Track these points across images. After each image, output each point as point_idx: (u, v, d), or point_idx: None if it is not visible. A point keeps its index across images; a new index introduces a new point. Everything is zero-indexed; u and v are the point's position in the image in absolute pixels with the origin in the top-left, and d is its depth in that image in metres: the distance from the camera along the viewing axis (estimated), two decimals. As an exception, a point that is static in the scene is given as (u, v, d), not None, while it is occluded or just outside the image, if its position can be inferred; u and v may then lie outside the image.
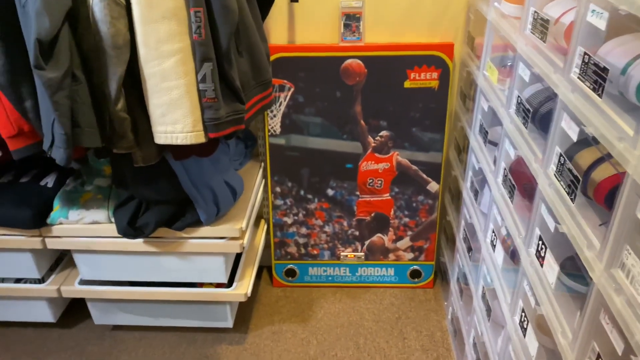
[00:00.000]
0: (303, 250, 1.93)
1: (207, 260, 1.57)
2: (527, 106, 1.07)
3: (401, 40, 1.67)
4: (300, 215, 1.87)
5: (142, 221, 1.45)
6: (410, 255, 1.93)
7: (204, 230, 1.51)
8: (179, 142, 1.14)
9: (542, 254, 0.96)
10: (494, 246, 1.28)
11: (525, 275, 1.04)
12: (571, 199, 0.85)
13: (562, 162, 0.88)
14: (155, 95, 1.12)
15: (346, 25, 1.63)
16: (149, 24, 1.07)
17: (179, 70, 1.10)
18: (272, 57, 1.65)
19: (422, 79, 1.67)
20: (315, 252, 1.93)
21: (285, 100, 1.71)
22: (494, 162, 1.32)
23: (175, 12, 1.08)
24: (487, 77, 1.39)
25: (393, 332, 1.80)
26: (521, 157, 1.13)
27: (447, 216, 1.86)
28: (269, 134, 1.76)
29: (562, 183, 0.89)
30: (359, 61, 1.66)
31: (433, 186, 1.82)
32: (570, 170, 0.86)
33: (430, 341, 1.76)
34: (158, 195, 1.43)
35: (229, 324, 1.74)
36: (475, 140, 1.49)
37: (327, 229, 1.89)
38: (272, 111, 1.73)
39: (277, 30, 1.68)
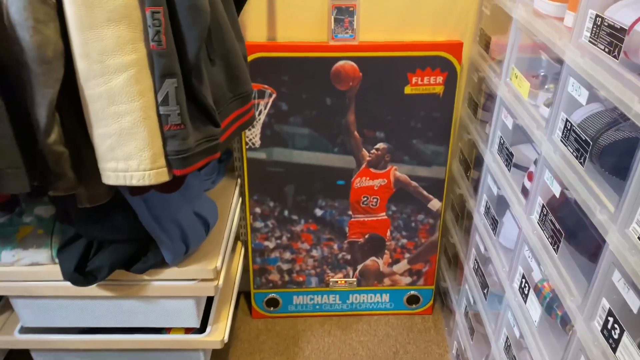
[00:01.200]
0: (287, 278, 1.69)
1: (175, 304, 1.31)
2: (584, 136, 0.84)
3: (401, 39, 1.42)
4: (284, 238, 1.63)
5: (94, 264, 1.18)
6: (408, 279, 1.71)
7: (171, 272, 1.25)
8: (135, 182, 0.88)
9: (615, 336, 0.74)
10: (524, 295, 1.06)
11: (583, 351, 0.82)
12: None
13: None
14: (100, 123, 0.85)
15: (337, 21, 1.37)
16: (90, 29, 0.79)
17: (132, 90, 0.83)
18: (249, 58, 1.39)
19: (426, 83, 1.43)
20: (301, 278, 1.69)
21: (265, 108, 1.45)
22: (524, 192, 1.10)
23: (126, 13, 0.80)
24: (511, 87, 1.15)
25: (391, 370, 1.59)
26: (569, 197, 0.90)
27: (450, 237, 1.64)
28: (247, 147, 1.50)
29: (654, 254, 0.67)
30: (352, 63, 1.40)
31: (435, 204, 1.59)
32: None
33: (434, 380, 1.56)
34: (111, 234, 1.16)
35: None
36: (492, 160, 1.26)
37: (314, 253, 1.65)
38: (249, 121, 1.46)
39: (254, 25, 1.41)
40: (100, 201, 0.98)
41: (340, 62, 1.40)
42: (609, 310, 0.76)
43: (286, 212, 1.59)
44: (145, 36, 0.83)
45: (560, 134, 0.92)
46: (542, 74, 1.09)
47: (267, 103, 1.44)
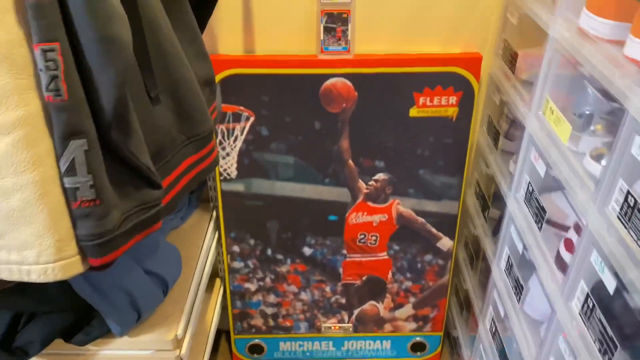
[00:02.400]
0: (272, 322, 1.47)
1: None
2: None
3: (407, 51, 1.16)
4: (268, 280, 1.40)
5: (23, 339, 0.96)
6: (412, 325, 1.48)
7: (121, 342, 1.03)
8: (34, 278, 0.65)
9: None
10: (558, 397, 0.83)
11: None
12: None
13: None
14: (-21, 203, 0.62)
15: (328, 30, 1.11)
16: (-49, 75, 0.55)
17: (22, 159, 0.60)
18: (221, 75, 1.14)
19: (436, 104, 1.18)
20: (288, 323, 1.47)
21: (242, 133, 1.21)
22: (559, 263, 0.86)
23: (5, 54, 0.56)
24: (545, 123, 0.90)
25: None
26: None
27: (463, 281, 1.40)
28: (221, 178, 1.26)
29: None
30: (346, 81, 1.15)
31: (445, 243, 1.35)
32: None
33: None
34: (42, 305, 0.94)
35: None
36: (517, 208, 1.02)
37: (303, 296, 1.43)
38: (223, 148, 1.23)
39: (228, 35, 1.16)
40: (7, 284, 0.75)
41: (332, 80, 1.15)
42: None
43: (269, 251, 1.36)
44: (36, 83, 0.59)
45: (618, 209, 0.67)
46: (587, 112, 0.84)
47: (243, 128, 1.20)
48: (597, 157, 0.78)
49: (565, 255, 0.84)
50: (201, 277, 1.22)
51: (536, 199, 0.94)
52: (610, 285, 0.68)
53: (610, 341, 0.68)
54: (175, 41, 0.81)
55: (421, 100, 1.17)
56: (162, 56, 0.78)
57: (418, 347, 1.51)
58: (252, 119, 1.19)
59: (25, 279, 0.65)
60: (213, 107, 1.04)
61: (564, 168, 0.82)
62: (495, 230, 1.19)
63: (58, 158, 0.61)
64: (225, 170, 1.25)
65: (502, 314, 1.09)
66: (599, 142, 0.81)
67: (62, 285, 0.92)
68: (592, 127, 0.84)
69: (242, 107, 1.18)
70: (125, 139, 0.67)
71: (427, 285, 1.41)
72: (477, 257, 1.33)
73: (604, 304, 0.72)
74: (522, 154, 0.99)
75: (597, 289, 0.74)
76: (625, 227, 0.65)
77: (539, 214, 0.92)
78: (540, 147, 0.91)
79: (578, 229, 0.81)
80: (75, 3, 0.57)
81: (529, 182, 0.97)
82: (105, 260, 0.67)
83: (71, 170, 0.62)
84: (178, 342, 1.05)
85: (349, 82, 1.16)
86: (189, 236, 1.28)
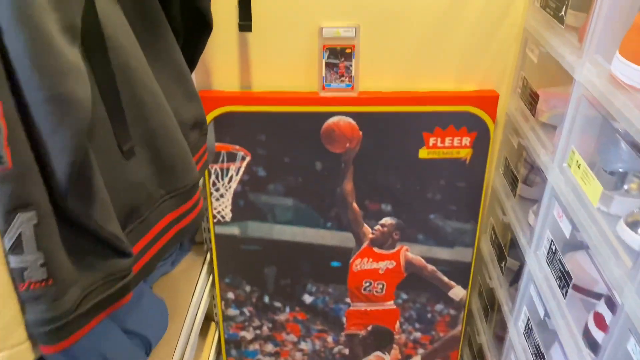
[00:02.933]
0: (270, 372, 1.37)
1: None
2: None
3: (416, 88, 1.07)
4: (265, 328, 1.30)
5: None
6: (422, 378, 1.37)
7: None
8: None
9: None
10: None
11: None
12: None
13: None
14: None
15: (330, 66, 1.03)
16: None
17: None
18: (215, 113, 1.06)
19: (447, 146, 1.08)
20: (287, 374, 1.37)
21: (238, 174, 1.12)
22: (588, 340, 0.75)
23: None
24: (570, 178, 0.80)
25: None
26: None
27: (477, 333, 1.29)
28: (215, 220, 1.17)
29: None
30: (349, 120, 1.06)
31: (457, 292, 1.24)
32: None
33: None
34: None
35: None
36: (538, 268, 0.91)
37: (303, 346, 1.32)
38: (217, 189, 1.14)
39: (222, 69, 1.07)
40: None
41: (334, 119, 1.06)
42: None
43: (266, 298, 1.26)
44: (-25, 149, 0.50)
45: (662, 295, 0.57)
46: (619, 169, 0.74)
47: (239, 168, 1.11)
48: (634, 225, 0.67)
49: (596, 333, 0.73)
50: (192, 327, 1.13)
51: (560, 260, 0.83)
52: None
53: None
54: (154, 86, 0.72)
55: (432, 140, 1.08)
56: (138, 104, 0.69)
57: None
58: (248, 158, 1.11)
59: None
60: (203, 149, 0.95)
61: (593, 232, 0.71)
62: (513, 281, 1.08)
63: (2, 234, 0.53)
64: (219, 212, 1.16)
65: (520, 381, 0.98)
66: (634, 204, 0.70)
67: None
68: (625, 187, 0.74)
69: (237, 147, 1.09)
70: (86, 207, 0.58)
71: (438, 336, 1.30)
72: (492, 309, 1.22)
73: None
74: (544, 208, 0.89)
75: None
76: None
77: (564, 279, 0.81)
78: (564, 203, 0.80)
79: (611, 305, 0.71)
80: (19, 58, 0.49)
81: (552, 240, 0.87)
82: (60, 348, 0.58)
83: (17, 248, 0.53)
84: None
85: (352, 121, 1.06)
86: (180, 283, 1.19)
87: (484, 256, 1.24)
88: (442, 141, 1.08)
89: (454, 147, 1.08)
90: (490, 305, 1.22)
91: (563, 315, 0.81)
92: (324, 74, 1.03)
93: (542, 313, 0.90)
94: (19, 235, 0.52)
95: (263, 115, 1.06)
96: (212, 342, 1.34)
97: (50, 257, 0.55)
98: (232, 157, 1.10)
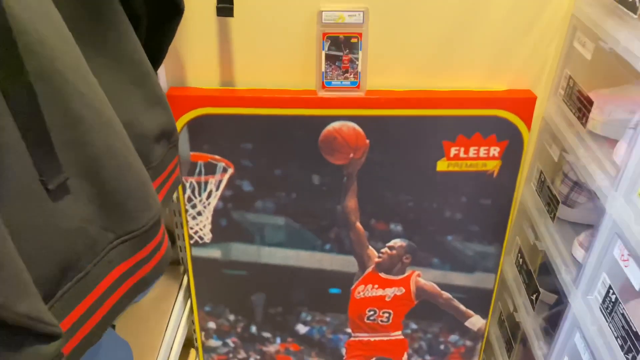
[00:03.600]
0: (258, 408, 1.20)
1: None
2: None
3: (435, 87, 0.88)
4: (252, 360, 1.13)
5: None
6: (431, 413, 1.21)
7: None
8: None
9: None
10: None
11: None
12: None
13: None
14: None
15: (331, 59, 0.83)
16: None
17: None
18: (189, 115, 0.86)
19: (472, 157, 0.90)
20: (278, 409, 1.20)
21: (218, 188, 0.93)
22: None
23: None
24: (636, 203, 0.62)
25: None
26: None
27: (496, 367, 1.13)
28: (192, 242, 0.98)
29: None
30: (354, 126, 0.87)
31: (475, 322, 1.07)
32: None
33: None
34: None
35: None
36: (589, 315, 0.74)
37: (296, 380, 1.15)
38: (194, 206, 0.95)
39: (197, 63, 0.87)
40: None
41: (336, 124, 0.87)
42: None
43: (254, 328, 1.08)
44: None
45: None
46: None
47: (219, 181, 0.92)
48: None
49: None
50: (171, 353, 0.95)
51: (623, 315, 0.65)
52: None
53: None
54: (97, 96, 0.53)
55: (453, 150, 0.89)
56: (74, 123, 0.50)
57: None
58: (230, 171, 0.91)
59: None
60: (173, 164, 0.76)
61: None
62: (550, 320, 0.91)
63: None
64: (196, 232, 0.97)
65: None
66: None
67: None
68: None
69: (217, 157, 0.90)
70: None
71: (451, 369, 1.14)
72: (515, 339, 1.06)
73: None
74: (600, 245, 0.71)
75: None
76: None
77: (628, 337, 0.64)
78: (632, 245, 0.63)
79: None
80: None
81: (610, 287, 0.69)
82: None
83: None
84: None
85: (358, 127, 0.87)
86: (151, 313, 1.01)
87: (507, 281, 1.06)
88: (466, 151, 0.89)
89: (480, 158, 0.90)
90: (513, 337, 1.05)
91: (628, 386, 0.64)
92: (323, 69, 0.83)
93: (592, 373, 0.73)
94: None
95: (248, 119, 0.87)
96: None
97: None
98: (211, 169, 0.91)
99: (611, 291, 0.69)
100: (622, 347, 0.66)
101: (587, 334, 0.73)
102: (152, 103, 0.69)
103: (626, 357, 0.65)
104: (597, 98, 0.75)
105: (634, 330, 0.63)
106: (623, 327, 0.65)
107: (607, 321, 0.69)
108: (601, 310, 0.71)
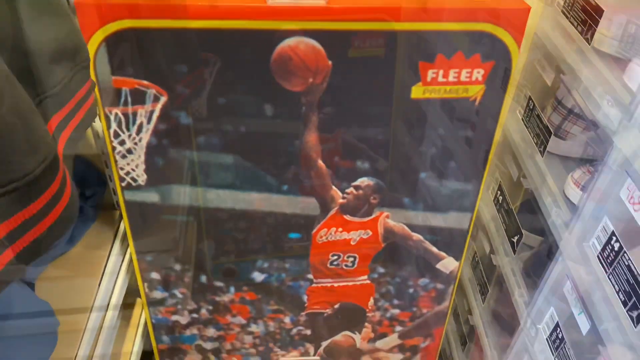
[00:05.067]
0: (213, 358, 1.10)
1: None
2: None
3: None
4: (204, 311, 1.02)
5: None
6: (398, 356, 1.14)
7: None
8: None
9: None
10: None
11: None
12: None
13: None
14: None
15: (284, -43, 0.66)
16: None
17: None
18: (107, 30, 0.69)
19: (452, 81, 0.76)
20: (234, 359, 1.11)
21: (150, 121, 0.77)
22: None
23: None
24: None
25: None
26: None
27: (470, 313, 1.06)
28: (123, 184, 0.83)
29: None
30: (313, 43, 0.72)
31: (448, 264, 0.99)
32: None
33: None
34: None
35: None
36: (583, 264, 0.64)
37: (254, 328, 1.06)
38: (122, 142, 0.79)
39: (114, -41, 0.68)
40: None
41: (291, 41, 0.71)
42: None
43: (203, 278, 0.97)
44: None
45: None
46: None
47: (150, 112, 0.76)
48: None
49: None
50: (104, 318, 0.83)
51: (627, 266, 0.56)
52: None
53: None
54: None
55: (430, 74, 0.75)
56: None
57: None
58: (163, 99, 0.75)
59: None
60: (84, 90, 0.60)
61: None
62: (533, 270, 0.82)
63: None
64: (128, 173, 0.82)
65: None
66: None
67: None
68: None
69: (145, 82, 0.74)
70: None
71: (420, 312, 1.06)
72: (490, 282, 0.98)
73: None
74: (604, 183, 0.60)
75: None
76: None
77: (633, 292, 0.55)
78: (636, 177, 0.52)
79: None
80: None
81: (613, 232, 0.59)
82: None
83: None
84: None
85: (318, 45, 0.72)
86: (82, 265, 0.88)
87: (483, 221, 0.97)
88: (446, 75, 0.75)
89: (462, 82, 0.77)
90: (488, 280, 0.97)
91: (630, 346, 0.55)
92: None
93: (585, 328, 0.64)
94: None
95: (183, 35, 0.70)
96: (139, 321, 1.05)
97: None
98: (139, 98, 0.75)
99: (614, 238, 0.59)
100: (624, 303, 0.57)
101: (581, 286, 0.64)
102: (47, 11, 0.52)
103: (629, 315, 0.56)
104: (608, 7, 0.62)
105: (638, 280, 0.54)
106: (628, 280, 0.56)
107: (606, 273, 0.60)
108: (600, 259, 0.61)
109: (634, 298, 0.55)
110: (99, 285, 0.85)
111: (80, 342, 0.76)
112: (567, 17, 0.69)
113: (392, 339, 1.11)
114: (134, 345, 1.01)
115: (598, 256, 0.62)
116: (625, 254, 0.57)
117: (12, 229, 0.44)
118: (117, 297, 0.89)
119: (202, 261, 0.94)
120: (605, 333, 0.60)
